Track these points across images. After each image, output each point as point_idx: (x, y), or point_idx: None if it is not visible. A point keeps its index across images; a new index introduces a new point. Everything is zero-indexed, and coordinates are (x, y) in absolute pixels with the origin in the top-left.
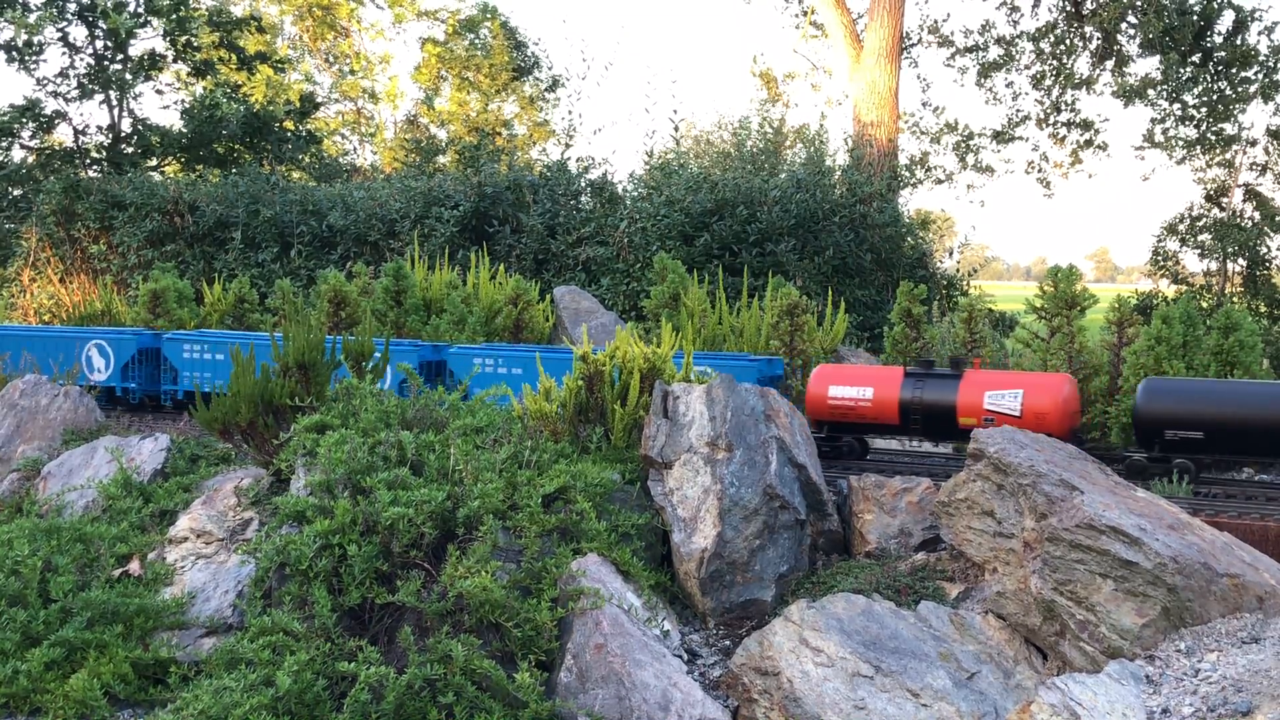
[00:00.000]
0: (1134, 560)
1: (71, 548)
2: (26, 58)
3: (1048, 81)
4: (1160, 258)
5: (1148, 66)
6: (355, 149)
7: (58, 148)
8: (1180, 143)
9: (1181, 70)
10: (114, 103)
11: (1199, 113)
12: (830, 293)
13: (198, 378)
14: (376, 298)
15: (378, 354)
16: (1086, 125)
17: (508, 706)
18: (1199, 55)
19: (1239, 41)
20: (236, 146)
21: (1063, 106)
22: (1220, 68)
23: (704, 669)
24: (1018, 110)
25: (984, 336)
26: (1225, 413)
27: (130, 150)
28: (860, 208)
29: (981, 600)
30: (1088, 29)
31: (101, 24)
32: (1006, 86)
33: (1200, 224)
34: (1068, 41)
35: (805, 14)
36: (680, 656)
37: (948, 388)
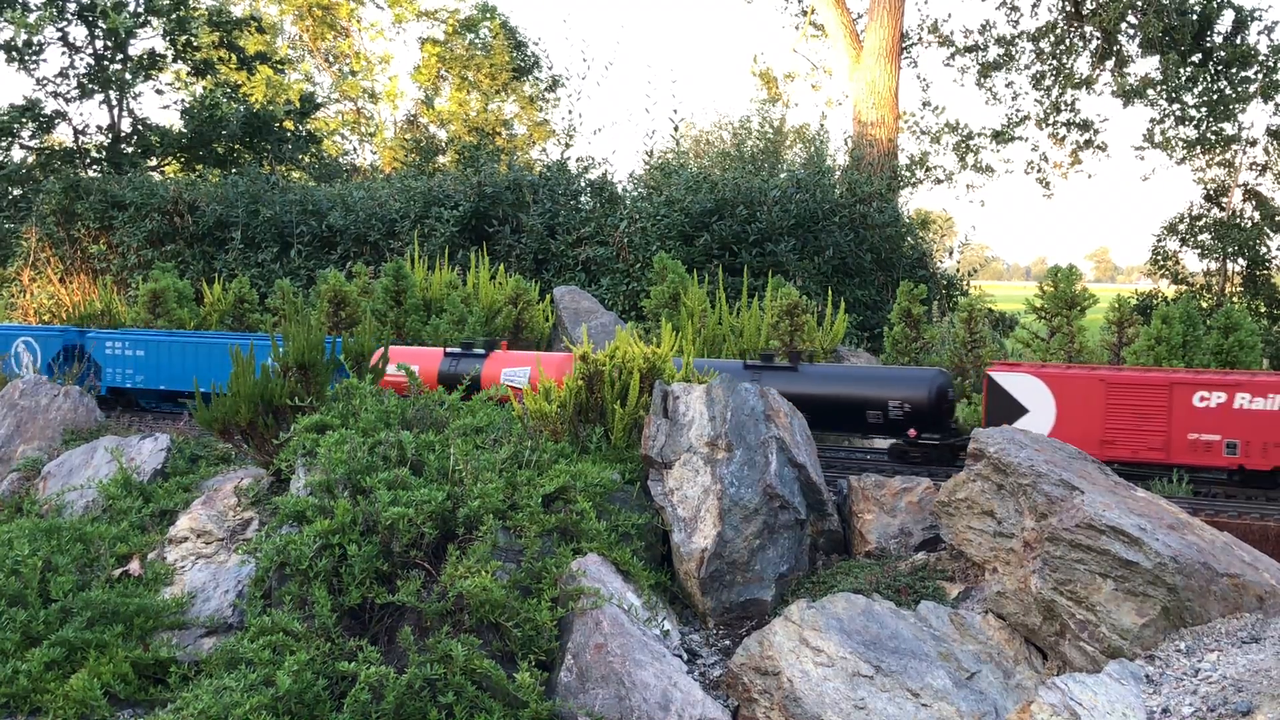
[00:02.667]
0: (1134, 560)
1: (71, 548)
2: (26, 58)
3: (1048, 81)
4: (1160, 258)
5: (1148, 66)
6: (355, 149)
7: (58, 148)
8: (1180, 143)
9: (1181, 70)
10: (114, 103)
11: (1199, 113)
12: (830, 293)
13: None
14: (376, 298)
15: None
16: (1086, 125)
17: (508, 706)
18: (1199, 55)
19: (1239, 41)
20: (236, 146)
21: (1062, 106)
22: (1220, 68)
23: (704, 669)
24: (1018, 110)
25: (984, 336)
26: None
27: (130, 150)
28: (860, 208)
29: (981, 600)
30: (1088, 29)
31: (101, 24)
32: (1006, 86)
33: (1200, 224)
34: (1068, 41)
35: (805, 14)
36: (680, 656)
37: (477, 363)
